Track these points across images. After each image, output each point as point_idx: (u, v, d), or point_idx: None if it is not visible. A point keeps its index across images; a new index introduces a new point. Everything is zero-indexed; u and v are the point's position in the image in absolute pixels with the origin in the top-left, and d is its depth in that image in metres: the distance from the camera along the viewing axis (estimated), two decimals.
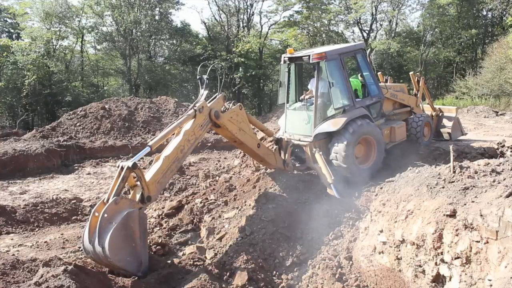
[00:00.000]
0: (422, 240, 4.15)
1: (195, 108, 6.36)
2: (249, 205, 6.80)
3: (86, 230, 5.11)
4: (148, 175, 5.62)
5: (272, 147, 8.56)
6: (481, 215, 3.55)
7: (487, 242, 3.46)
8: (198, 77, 7.03)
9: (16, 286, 4.58)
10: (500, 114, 20.37)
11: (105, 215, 5.02)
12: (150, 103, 19.60)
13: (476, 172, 4.54)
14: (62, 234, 7.70)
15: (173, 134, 6.27)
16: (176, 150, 5.99)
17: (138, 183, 5.50)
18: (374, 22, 36.42)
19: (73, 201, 9.42)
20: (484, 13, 36.77)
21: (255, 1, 35.46)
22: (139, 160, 5.62)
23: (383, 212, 5.00)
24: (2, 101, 26.98)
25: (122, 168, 5.38)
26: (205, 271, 5.27)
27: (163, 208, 8.31)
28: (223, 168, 11.38)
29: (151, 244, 6.29)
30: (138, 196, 5.47)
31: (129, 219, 5.20)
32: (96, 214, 5.12)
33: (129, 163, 5.33)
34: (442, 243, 3.94)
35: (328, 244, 6.11)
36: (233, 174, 9.99)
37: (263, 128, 8.20)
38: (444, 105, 19.11)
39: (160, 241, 6.53)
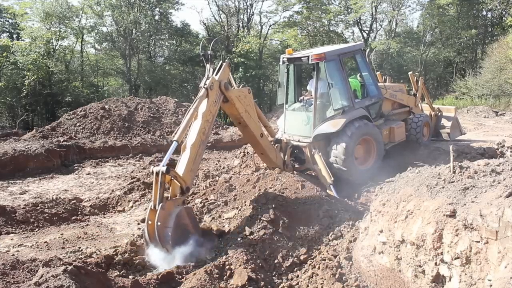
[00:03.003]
0: (422, 240, 4.15)
1: (205, 86, 6.44)
2: (249, 205, 6.79)
3: (146, 237, 5.71)
4: (180, 168, 5.94)
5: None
6: (481, 215, 3.55)
7: (487, 242, 3.46)
8: (201, 53, 7.05)
9: (16, 286, 4.57)
10: (500, 114, 20.38)
11: (159, 223, 5.53)
12: (150, 103, 19.60)
13: (476, 172, 4.54)
14: (62, 234, 7.69)
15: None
16: (199, 134, 6.20)
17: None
18: (374, 22, 36.47)
19: (73, 201, 9.42)
20: (484, 13, 36.82)
21: (255, 1, 35.52)
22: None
23: (383, 212, 5.01)
24: (2, 101, 26.96)
25: (157, 173, 5.65)
26: (205, 271, 5.27)
27: None
28: (223, 168, 11.38)
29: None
30: (177, 191, 5.88)
31: (179, 218, 5.71)
32: (150, 222, 5.63)
33: (163, 168, 5.61)
34: (442, 243, 3.94)
35: (328, 244, 6.11)
36: (233, 174, 9.99)
37: (266, 124, 8.12)
38: (444, 105, 19.12)
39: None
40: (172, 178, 5.80)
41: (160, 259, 5.71)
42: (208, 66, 6.83)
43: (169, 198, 5.87)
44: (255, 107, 7.50)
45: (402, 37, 36.60)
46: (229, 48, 33.92)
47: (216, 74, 6.74)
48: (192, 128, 6.33)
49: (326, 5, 36.46)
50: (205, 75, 6.74)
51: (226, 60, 7.22)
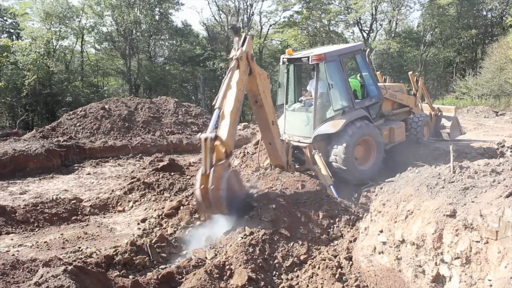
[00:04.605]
0: (422, 240, 4.15)
1: (236, 57, 6.78)
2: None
3: (199, 198, 6.01)
4: (223, 133, 6.24)
5: None
6: (481, 215, 3.55)
7: (487, 242, 3.46)
8: (230, 26, 7.47)
9: (16, 286, 4.57)
10: (500, 114, 20.39)
11: (213, 186, 5.85)
12: (150, 103, 19.59)
13: (476, 172, 4.54)
14: (62, 234, 7.69)
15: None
16: (236, 102, 6.59)
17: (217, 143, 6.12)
18: (374, 22, 36.46)
19: (73, 201, 9.41)
20: (484, 13, 36.82)
21: (255, 1, 35.50)
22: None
23: (383, 212, 5.00)
24: (2, 101, 26.95)
25: (205, 140, 5.95)
26: (205, 271, 5.27)
27: (163, 208, 8.31)
28: None
29: None
30: (223, 155, 6.15)
31: (229, 181, 6.14)
32: (203, 186, 5.94)
33: (211, 135, 5.98)
34: (442, 243, 3.94)
35: (328, 244, 6.11)
36: None
37: (273, 120, 8.23)
38: (444, 105, 19.13)
39: None
40: (216, 144, 6.09)
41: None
42: (236, 38, 7.17)
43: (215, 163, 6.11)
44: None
45: (402, 37, 36.59)
46: (229, 48, 33.86)
47: (242, 46, 7.04)
48: (228, 97, 6.66)
49: (326, 5, 36.45)
50: (234, 47, 7.10)
51: (249, 33, 7.44)
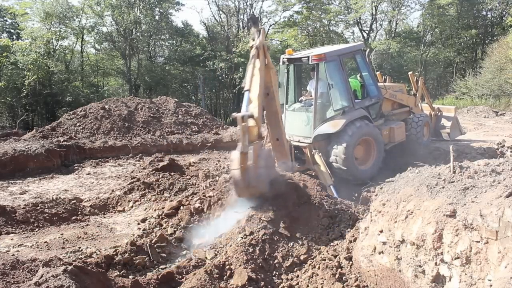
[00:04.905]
0: (422, 240, 4.15)
1: (257, 46, 7.08)
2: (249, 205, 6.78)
3: (238, 178, 6.07)
4: (255, 112, 6.40)
5: None
6: (481, 215, 3.55)
7: (487, 242, 3.46)
8: (248, 17, 7.66)
9: (16, 286, 4.57)
10: (500, 114, 20.39)
11: (253, 164, 5.99)
12: (150, 103, 19.58)
13: (476, 172, 4.54)
14: (62, 234, 7.69)
15: None
16: (260, 88, 6.81)
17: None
18: (374, 22, 36.45)
19: (73, 201, 9.41)
20: (484, 13, 36.80)
21: (255, 1, 35.47)
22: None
23: (383, 212, 5.00)
24: (2, 101, 26.93)
25: (242, 118, 6.08)
26: (205, 271, 5.27)
27: (163, 208, 8.31)
28: (223, 168, 11.38)
29: None
30: (255, 135, 6.31)
31: (266, 158, 6.33)
32: (242, 165, 6.01)
33: (247, 113, 6.17)
34: (442, 243, 3.94)
35: (328, 244, 6.11)
36: None
37: (281, 116, 8.43)
38: (444, 105, 19.13)
39: None
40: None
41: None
42: (254, 30, 7.47)
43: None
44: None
45: (402, 37, 36.58)
46: (229, 48, 33.89)
47: (259, 37, 7.30)
48: (253, 84, 6.87)
49: (326, 5, 36.44)
50: (253, 37, 7.41)
51: (262, 26, 7.78)
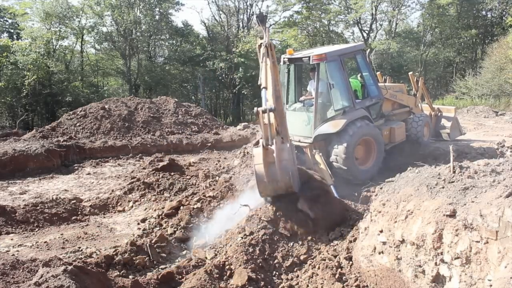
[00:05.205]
0: (422, 240, 4.15)
1: (266, 44, 7.08)
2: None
3: (261, 173, 5.87)
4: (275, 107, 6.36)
5: None
6: (481, 215, 3.55)
7: (487, 242, 3.46)
8: (256, 15, 7.68)
9: (16, 286, 4.58)
10: (500, 114, 20.38)
11: (277, 154, 5.84)
12: (150, 103, 19.59)
13: (476, 172, 4.54)
14: (62, 234, 7.70)
15: None
16: (273, 86, 6.74)
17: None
18: (374, 22, 36.42)
19: (73, 201, 9.41)
20: (484, 13, 36.78)
21: (255, 1, 35.47)
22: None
23: (383, 212, 5.01)
24: (2, 101, 26.92)
25: (263, 112, 6.03)
26: (205, 271, 5.28)
27: (163, 208, 8.31)
28: (223, 168, 11.38)
29: None
30: (274, 131, 6.17)
31: (289, 153, 6.07)
32: (262, 160, 5.86)
33: (269, 107, 6.06)
34: (442, 243, 3.94)
35: (328, 244, 6.11)
36: (233, 174, 10.00)
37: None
38: (444, 105, 19.12)
39: None
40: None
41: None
42: (262, 28, 7.50)
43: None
44: None
45: (402, 37, 36.57)
46: (229, 48, 33.87)
47: (266, 36, 7.32)
48: (268, 80, 6.83)
49: (326, 5, 36.41)
50: (261, 35, 7.48)
51: (267, 26, 7.78)
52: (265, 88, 6.57)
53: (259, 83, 6.78)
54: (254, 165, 6.04)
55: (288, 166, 5.92)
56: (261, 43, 7.25)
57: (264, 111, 6.01)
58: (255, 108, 6.20)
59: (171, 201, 8.64)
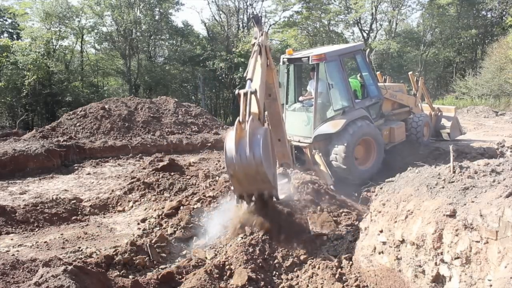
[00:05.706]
0: (422, 240, 4.15)
1: (259, 43, 6.93)
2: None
3: (232, 144, 5.26)
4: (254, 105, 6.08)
5: None
6: (481, 215, 3.55)
7: (487, 242, 3.46)
8: (252, 16, 7.58)
9: (16, 286, 4.58)
10: (500, 114, 20.40)
11: (250, 130, 5.29)
12: (150, 103, 19.59)
13: (476, 172, 4.54)
14: (62, 234, 7.69)
15: None
16: (261, 82, 6.55)
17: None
18: (374, 22, 36.43)
19: (73, 201, 9.41)
20: (484, 13, 36.80)
21: (255, 1, 35.46)
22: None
23: (383, 212, 5.01)
24: (2, 101, 26.94)
25: (245, 94, 5.72)
26: (205, 271, 5.27)
27: (163, 208, 8.31)
28: (223, 168, 11.37)
29: None
30: (257, 112, 5.89)
31: (266, 134, 5.65)
32: (238, 130, 5.35)
33: (250, 89, 5.75)
34: (442, 243, 3.94)
35: (328, 244, 6.11)
36: None
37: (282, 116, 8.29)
38: (444, 105, 19.13)
39: None
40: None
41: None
42: (256, 28, 7.39)
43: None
44: None
45: (402, 37, 36.57)
46: (229, 48, 33.87)
47: (261, 36, 7.22)
48: (255, 74, 6.63)
49: (326, 5, 36.43)
50: (255, 36, 7.27)
51: (264, 30, 7.68)
52: (250, 80, 6.26)
53: (244, 75, 6.48)
54: (226, 142, 5.42)
55: (261, 143, 5.27)
56: (255, 42, 7.15)
57: (245, 94, 5.73)
58: (236, 90, 5.97)
59: (171, 201, 8.63)
